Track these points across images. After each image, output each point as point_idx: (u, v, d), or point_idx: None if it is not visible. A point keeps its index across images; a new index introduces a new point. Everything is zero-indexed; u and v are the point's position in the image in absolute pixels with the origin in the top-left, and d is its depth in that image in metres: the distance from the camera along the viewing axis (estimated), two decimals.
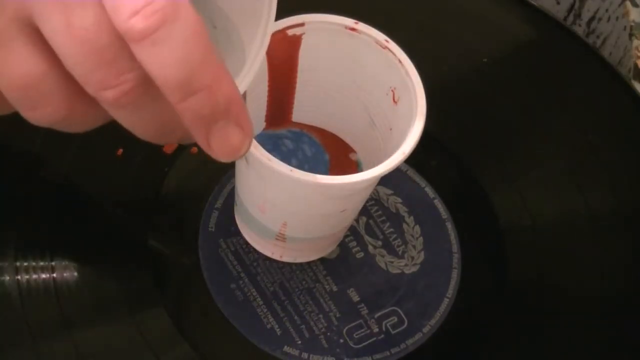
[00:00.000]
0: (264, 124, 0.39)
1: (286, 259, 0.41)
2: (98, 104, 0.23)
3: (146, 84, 0.23)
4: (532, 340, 0.40)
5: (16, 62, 0.23)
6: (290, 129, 0.40)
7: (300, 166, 0.36)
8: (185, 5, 0.21)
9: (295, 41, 0.35)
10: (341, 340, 0.39)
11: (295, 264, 0.41)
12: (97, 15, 0.21)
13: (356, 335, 0.39)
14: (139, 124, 0.24)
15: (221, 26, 0.29)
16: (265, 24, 0.29)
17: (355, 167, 0.40)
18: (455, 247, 0.43)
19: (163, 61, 0.21)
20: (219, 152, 0.24)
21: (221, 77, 0.23)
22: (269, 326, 0.39)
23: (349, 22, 0.35)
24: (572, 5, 0.57)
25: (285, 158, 0.38)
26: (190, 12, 0.22)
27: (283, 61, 0.35)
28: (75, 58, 0.22)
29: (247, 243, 0.41)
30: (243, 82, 0.29)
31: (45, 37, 0.22)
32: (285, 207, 0.36)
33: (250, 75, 0.29)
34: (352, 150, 0.40)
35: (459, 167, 0.45)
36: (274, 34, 0.32)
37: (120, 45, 0.22)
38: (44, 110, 0.24)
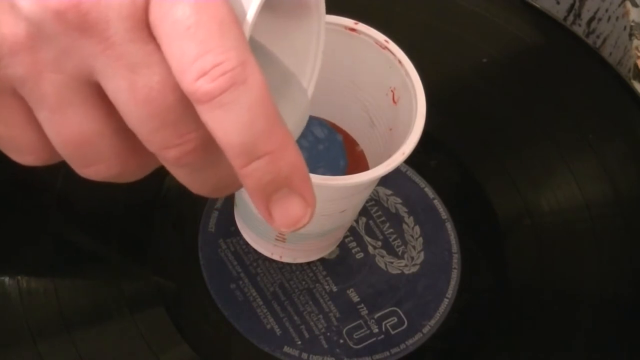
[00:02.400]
0: None
1: (286, 259, 0.41)
2: (152, 157, 0.23)
3: (208, 145, 0.22)
4: (532, 340, 0.40)
5: (73, 119, 0.22)
6: None
7: (313, 147, 0.36)
8: (254, 68, 0.21)
9: None
10: (341, 341, 0.39)
11: (295, 264, 0.41)
12: (162, 74, 0.21)
13: (356, 335, 0.39)
14: (198, 181, 0.24)
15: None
16: (314, 62, 0.29)
17: (364, 159, 0.39)
18: (455, 247, 0.43)
19: (228, 124, 0.21)
20: (279, 221, 0.23)
21: (286, 144, 0.22)
22: (268, 326, 0.39)
23: (349, 22, 0.35)
24: (572, 5, 0.57)
25: None
26: (258, 75, 0.21)
27: None
28: (138, 117, 0.21)
29: (247, 243, 0.41)
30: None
31: (107, 95, 0.22)
32: None
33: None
34: (357, 143, 0.40)
35: (459, 167, 0.45)
36: None
37: (185, 105, 0.21)
38: (98, 167, 0.23)
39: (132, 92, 0.21)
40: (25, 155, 0.24)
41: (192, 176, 0.24)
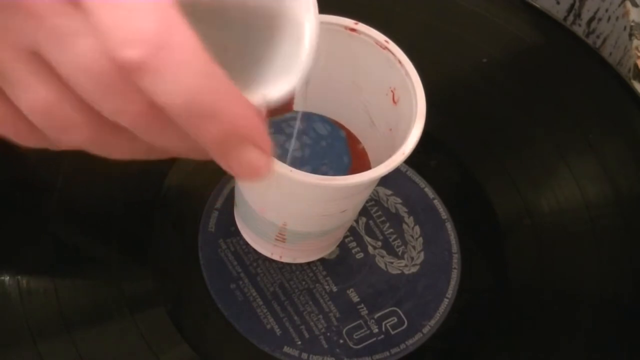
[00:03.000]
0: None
1: (286, 259, 0.41)
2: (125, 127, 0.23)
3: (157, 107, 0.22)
4: (532, 340, 0.40)
5: (29, 90, 0.23)
6: (296, 111, 0.39)
7: (316, 143, 0.36)
8: (179, 28, 0.21)
9: None
10: (341, 341, 0.39)
11: (295, 264, 0.41)
12: (95, 43, 0.21)
13: (356, 335, 0.39)
14: (171, 144, 0.24)
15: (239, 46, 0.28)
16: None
17: (366, 156, 0.39)
18: (455, 247, 0.43)
19: (163, 88, 0.21)
20: (240, 173, 0.24)
21: (230, 98, 0.22)
22: (268, 326, 0.39)
23: (349, 22, 0.35)
24: (572, 5, 0.57)
25: (295, 138, 0.38)
26: (185, 35, 0.21)
27: None
28: (82, 86, 0.22)
29: (246, 243, 0.41)
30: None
31: (52, 66, 0.22)
32: (285, 208, 0.36)
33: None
34: (359, 141, 0.40)
35: (459, 167, 0.45)
36: None
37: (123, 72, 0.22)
38: (70, 134, 0.24)
39: (70, 62, 0.22)
40: (4, 129, 0.25)
41: (161, 139, 0.24)
